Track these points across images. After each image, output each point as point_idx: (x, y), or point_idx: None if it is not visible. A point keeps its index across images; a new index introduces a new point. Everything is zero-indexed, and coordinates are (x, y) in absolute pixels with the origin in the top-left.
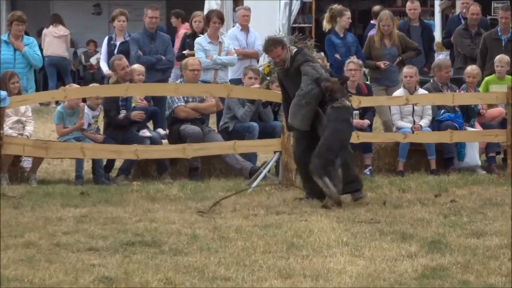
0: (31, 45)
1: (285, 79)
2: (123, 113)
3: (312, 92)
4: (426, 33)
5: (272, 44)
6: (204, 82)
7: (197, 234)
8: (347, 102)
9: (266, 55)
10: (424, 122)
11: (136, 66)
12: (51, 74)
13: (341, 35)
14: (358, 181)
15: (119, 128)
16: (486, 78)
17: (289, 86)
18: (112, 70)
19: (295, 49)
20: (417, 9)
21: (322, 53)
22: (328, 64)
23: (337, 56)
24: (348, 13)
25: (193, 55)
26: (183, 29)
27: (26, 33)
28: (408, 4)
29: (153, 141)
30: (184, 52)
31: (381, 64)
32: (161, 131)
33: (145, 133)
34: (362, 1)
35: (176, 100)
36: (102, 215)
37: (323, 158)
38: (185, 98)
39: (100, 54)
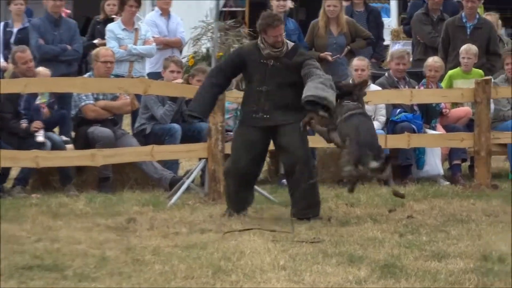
0: None
1: (268, 68)
2: (24, 122)
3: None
4: (372, 19)
5: (278, 19)
6: (117, 76)
7: (107, 256)
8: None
9: (191, 45)
10: (377, 124)
11: (42, 69)
12: None
13: None
14: (319, 206)
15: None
16: (450, 72)
17: (266, 76)
18: (13, 63)
19: (292, 42)
20: None
21: None
22: None
23: None
24: None
25: (105, 44)
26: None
27: None
28: None
29: (56, 146)
30: (94, 41)
31: (328, 56)
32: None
33: (38, 137)
34: None
35: (84, 97)
36: None
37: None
38: (95, 95)
39: None
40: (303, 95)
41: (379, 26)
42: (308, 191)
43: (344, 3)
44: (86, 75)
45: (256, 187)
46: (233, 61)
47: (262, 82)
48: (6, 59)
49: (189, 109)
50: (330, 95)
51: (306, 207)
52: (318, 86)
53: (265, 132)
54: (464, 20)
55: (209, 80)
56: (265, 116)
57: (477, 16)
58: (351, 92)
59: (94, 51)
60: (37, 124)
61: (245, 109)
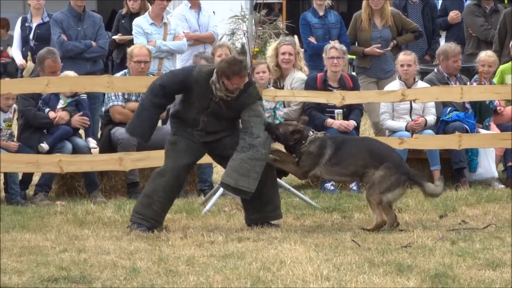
0: None
1: (212, 103)
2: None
3: (269, 141)
4: (428, 11)
5: (245, 67)
6: (146, 74)
7: (137, 267)
8: (318, 134)
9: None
10: (429, 119)
11: (70, 73)
12: None
13: (321, 13)
14: (280, 209)
15: (38, 133)
16: (502, 67)
17: (208, 110)
18: (39, 66)
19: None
20: None
21: (296, 37)
22: (303, 50)
23: (311, 39)
24: None
25: (131, 40)
26: None
27: None
28: None
29: (79, 149)
30: (114, 37)
31: (375, 48)
32: (91, 141)
33: (43, 146)
34: None
35: (113, 97)
36: (17, 243)
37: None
38: (126, 96)
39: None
40: (223, 176)
41: (436, 19)
42: (272, 190)
43: None
44: (119, 74)
45: (296, 191)
46: (180, 84)
47: (201, 113)
48: (24, 56)
49: (129, 128)
50: (249, 182)
51: (274, 207)
52: (241, 168)
53: (201, 145)
54: None
55: (151, 100)
56: (201, 134)
57: None
58: (301, 131)
59: (129, 50)
60: (83, 120)
61: (180, 122)
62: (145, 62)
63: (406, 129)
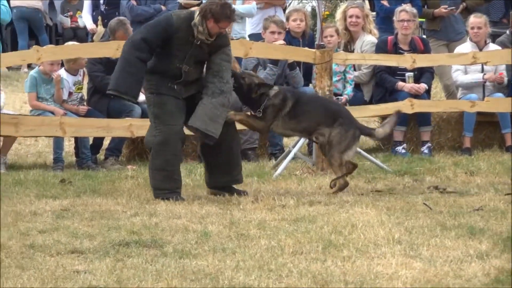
0: None
1: (192, 47)
2: None
3: (232, 88)
4: None
5: (235, 12)
6: None
7: (209, 231)
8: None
9: (296, 3)
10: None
11: None
12: (22, 30)
13: None
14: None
15: (107, 97)
16: None
17: (188, 55)
18: (112, 37)
19: None
20: None
21: (366, 0)
22: (374, 13)
23: (384, 2)
24: None
25: (196, 4)
26: None
27: None
28: None
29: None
30: (180, 0)
31: (442, 9)
32: None
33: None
34: None
35: None
36: (88, 208)
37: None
38: None
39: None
40: (192, 118)
41: None
42: (238, 154)
43: None
44: None
45: (367, 155)
46: (162, 35)
47: (182, 60)
48: (95, 21)
49: (120, 89)
50: (216, 127)
51: (239, 171)
52: (211, 113)
53: (183, 102)
54: None
55: (137, 55)
56: (181, 89)
57: None
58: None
59: None
60: None
61: (159, 78)
62: None
63: (483, 79)
